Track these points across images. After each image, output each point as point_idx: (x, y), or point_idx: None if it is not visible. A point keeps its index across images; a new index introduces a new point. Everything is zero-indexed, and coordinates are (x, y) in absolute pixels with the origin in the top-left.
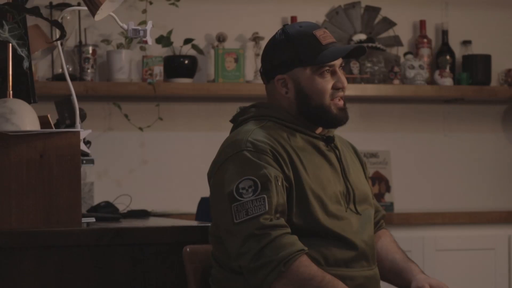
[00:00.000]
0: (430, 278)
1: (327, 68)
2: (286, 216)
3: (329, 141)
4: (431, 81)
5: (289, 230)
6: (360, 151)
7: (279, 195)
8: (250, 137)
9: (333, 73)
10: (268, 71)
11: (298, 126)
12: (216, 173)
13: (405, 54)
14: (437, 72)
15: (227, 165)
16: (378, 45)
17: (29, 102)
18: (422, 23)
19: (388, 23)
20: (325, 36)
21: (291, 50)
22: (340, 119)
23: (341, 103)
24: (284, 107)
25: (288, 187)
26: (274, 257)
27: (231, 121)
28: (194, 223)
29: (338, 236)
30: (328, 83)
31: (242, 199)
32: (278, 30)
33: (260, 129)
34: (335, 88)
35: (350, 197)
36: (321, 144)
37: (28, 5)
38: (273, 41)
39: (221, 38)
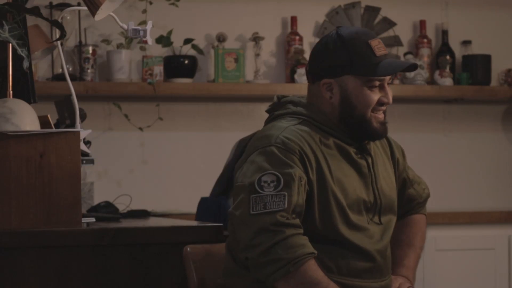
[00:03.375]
0: (400, 280)
1: (378, 81)
2: (303, 218)
3: (362, 149)
4: (431, 81)
5: (302, 231)
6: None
7: (299, 196)
8: (282, 134)
9: (381, 87)
10: (314, 72)
11: (333, 130)
12: (243, 164)
13: (405, 54)
14: (437, 72)
15: (254, 157)
16: None
17: (29, 102)
18: (422, 23)
19: (388, 23)
20: (380, 47)
21: (344, 56)
22: (379, 133)
23: (382, 116)
24: (325, 111)
25: (308, 190)
26: (284, 255)
27: (268, 111)
28: (194, 223)
29: (356, 247)
30: (375, 96)
31: (262, 192)
32: (332, 32)
33: (294, 127)
34: (380, 102)
35: (377, 208)
36: (353, 151)
37: (28, 5)
38: (325, 42)
39: (221, 38)
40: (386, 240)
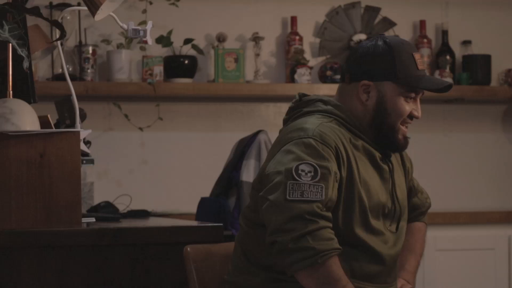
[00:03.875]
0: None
1: (414, 94)
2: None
3: (386, 155)
4: None
5: (331, 225)
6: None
7: (333, 191)
8: (318, 128)
9: (414, 100)
10: (355, 72)
11: (361, 133)
12: (276, 154)
13: None
14: (437, 72)
15: (289, 147)
16: None
17: (29, 102)
18: (422, 23)
19: (388, 23)
20: (421, 62)
21: (390, 62)
22: (401, 146)
23: (406, 131)
24: (356, 112)
25: (338, 188)
26: (315, 246)
27: (292, 108)
28: (194, 223)
29: (372, 251)
30: (409, 107)
31: (299, 180)
32: (376, 37)
33: (327, 124)
34: (411, 115)
35: (395, 215)
36: (378, 156)
37: (28, 5)
38: (373, 46)
39: (221, 38)
40: (399, 247)
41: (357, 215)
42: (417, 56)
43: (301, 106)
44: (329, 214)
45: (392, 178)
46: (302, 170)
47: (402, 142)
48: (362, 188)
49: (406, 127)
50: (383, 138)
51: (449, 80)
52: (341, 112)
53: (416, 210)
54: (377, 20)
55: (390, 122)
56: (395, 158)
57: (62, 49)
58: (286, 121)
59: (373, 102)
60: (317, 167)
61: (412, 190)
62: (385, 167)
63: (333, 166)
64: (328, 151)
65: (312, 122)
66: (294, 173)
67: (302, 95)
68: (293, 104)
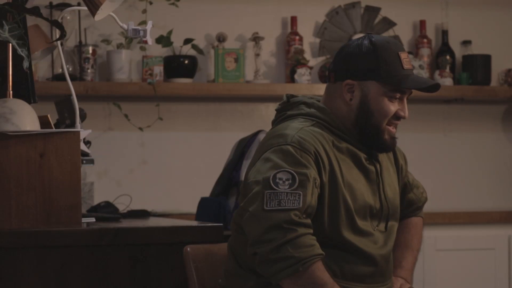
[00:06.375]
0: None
1: (399, 94)
2: (312, 219)
3: (372, 155)
4: None
5: (312, 231)
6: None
7: (312, 197)
8: (297, 134)
9: (401, 100)
10: (339, 71)
11: (346, 135)
12: (256, 162)
13: None
14: (437, 72)
15: (268, 154)
16: None
17: (29, 102)
18: (422, 23)
19: (388, 23)
20: (407, 61)
21: (374, 61)
22: (388, 146)
23: (394, 131)
24: (341, 112)
25: (319, 193)
26: (295, 254)
27: (278, 110)
28: (194, 223)
29: (361, 252)
30: (393, 107)
31: (277, 189)
32: (363, 37)
33: (308, 129)
34: (397, 115)
35: (383, 214)
36: (363, 157)
37: (28, 5)
38: (357, 45)
39: (221, 38)
40: (390, 246)
41: (343, 218)
42: (403, 55)
43: (286, 109)
44: (309, 221)
45: (380, 178)
46: (280, 179)
47: (388, 142)
48: (347, 190)
49: (394, 127)
50: (369, 139)
51: (449, 80)
52: (324, 115)
53: (413, 205)
54: (377, 20)
55: (374, 122)
56: (386, 157)
57: (62, 49)
58: (273, 123)
59: (357, 102)
60: (295, 175)
61: (407, 186)
62: (371, 167)
63: (312, 172)
64: (307, 157)
65: (292, 127)
66: (271, 182)
67: (290, 96)
68: (279, 106)
